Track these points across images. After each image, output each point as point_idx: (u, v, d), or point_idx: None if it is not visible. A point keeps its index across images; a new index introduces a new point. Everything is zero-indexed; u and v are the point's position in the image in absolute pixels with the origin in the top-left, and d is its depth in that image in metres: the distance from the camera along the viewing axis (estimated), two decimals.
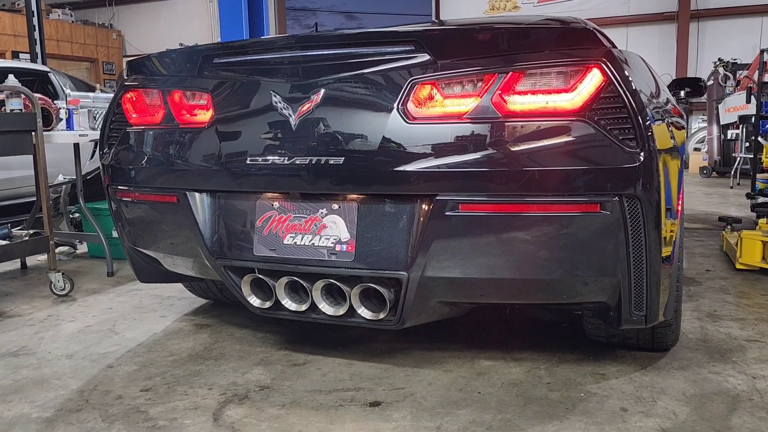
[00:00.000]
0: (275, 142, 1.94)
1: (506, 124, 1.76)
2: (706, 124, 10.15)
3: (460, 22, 2.33)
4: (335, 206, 1.94)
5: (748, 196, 5.30)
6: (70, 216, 4.53)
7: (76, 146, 3.79)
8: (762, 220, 3.85)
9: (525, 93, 1.78)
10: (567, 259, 1.80)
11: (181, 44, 8.72)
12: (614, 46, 1.84)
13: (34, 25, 8.09)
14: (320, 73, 1.92)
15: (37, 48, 8.10)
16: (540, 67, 1.76)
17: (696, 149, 10.76)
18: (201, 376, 2.18)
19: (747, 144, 8.30)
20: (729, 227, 4.19)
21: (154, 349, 2.46)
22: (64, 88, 5.69)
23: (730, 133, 9.45)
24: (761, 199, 4.97)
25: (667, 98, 2.37)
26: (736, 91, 9.21)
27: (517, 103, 1.78)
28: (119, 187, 2.32)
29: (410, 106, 1.83)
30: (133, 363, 2.33)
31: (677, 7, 12.29)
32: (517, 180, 1.74)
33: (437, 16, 14.51)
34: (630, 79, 1.74)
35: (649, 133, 1.73)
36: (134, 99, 2.29)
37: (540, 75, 1.77)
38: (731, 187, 8.20)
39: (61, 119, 3.70)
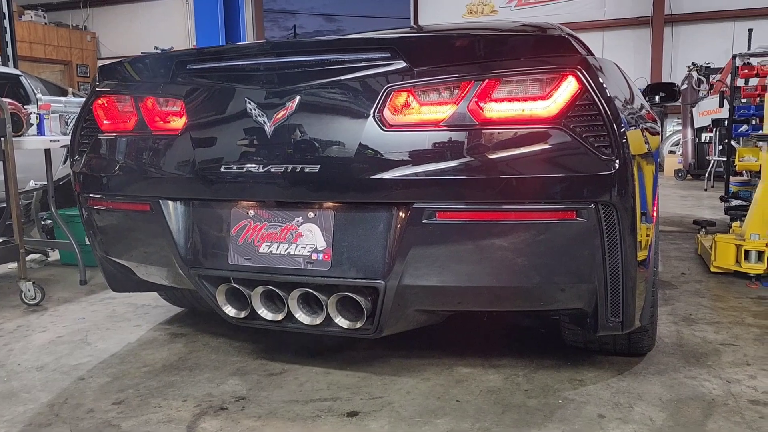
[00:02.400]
0: (250, 150, 1.92)
1: (483, 131, 1.76)
2: (680, 127, 10.31)
3: (438, 28, 2.33)
4: (311, 214, 1.92)
5: (721, 199, 5.38)
6: (42, 222, 4.44)
7: (48, 152, 3.72)
8: (735, 224, 3.91)
9: (501, 100, 1.77)
10: (544, 266, 1.80)
11: (156, 48, 8.63)
12: (590, 53, 1.84)
13: (6, 27, 7.91)
14: (295, 80, 1.90)
15: (9, 51, 7.94)
16: (516, 74, 1.76)
17: (671, 152, 10.93)
18: (175, 388, 2.14)
19: (720, 147, 8.45)
20: (703, 230, 4.25)
21: (127, 360, 2.41)
22: (36, 92, 5.57)
23: (704, 136, 9.62)
24: (734, 202, 5.05)
25: (641, 104, 2.39)
26: (710, 95, 9.37)
27: (494, 110, 1.77)
28: (91, 195, 2.27)
29: (386, 113, 1.82)
30: (105, 375, 2.28)
31: (652, 12, 12.48)
32: (493, 187, 1.73)
33: (416, 19, 14.55)
34: (605, 86, 1.75)
35: (624, 140, 1.73)
36: (106, 105, 2.25)
37: (516, 82, 1.77)
38: (705, 190, 8.33)
39: (32, 124, 3.62)
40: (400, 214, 1.81)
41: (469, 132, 1.76)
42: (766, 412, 1.90)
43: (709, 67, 10.41)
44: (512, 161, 1.73)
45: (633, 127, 1.91)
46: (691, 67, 10.20)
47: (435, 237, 1.79)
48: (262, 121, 1.90)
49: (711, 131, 9.06)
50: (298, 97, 1.87)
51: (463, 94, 1.78)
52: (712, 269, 3.59)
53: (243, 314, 2.06)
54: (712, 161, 8.66)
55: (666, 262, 3.95)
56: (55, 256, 4.36)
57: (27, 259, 4.28)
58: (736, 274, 3.49)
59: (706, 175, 8.65)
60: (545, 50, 1.80)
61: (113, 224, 2.29)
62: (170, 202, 2.07)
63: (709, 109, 8.92)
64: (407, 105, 1.82)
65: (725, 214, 5.06)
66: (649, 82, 12.22)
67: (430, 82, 1.80)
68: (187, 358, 2.42)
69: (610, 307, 1.86)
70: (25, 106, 3.71)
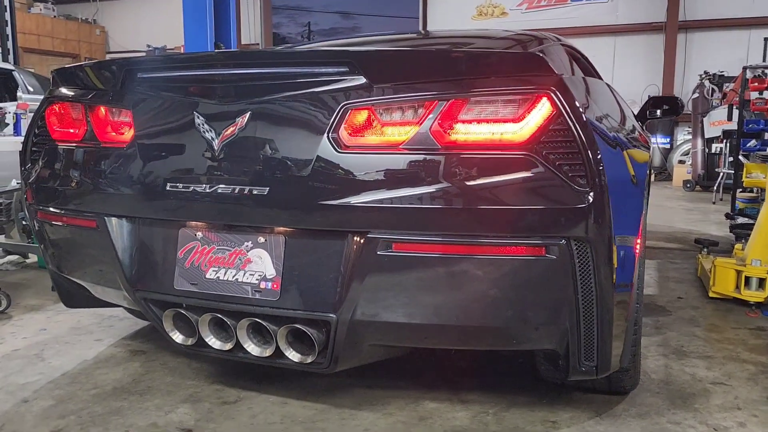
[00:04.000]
0: (197, 168, 1.78)
1: (445, 156, 1.61)
2: (690, 137, 10.07)
3: (408, 37, 2.18)
4: (261, 239, 1.78)
5: (727, 216, 5.18)
6: (23, 223, 4.33)
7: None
8: (738, 245, 3.72)
9: (468, 122, 1.62)
10: (508, 304, 1.64)
11: (148, 46, 8.53)
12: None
13: (6, 20, 7.85)
14: (246, 94, 1.75)
15: (9, 44, 7.86)
16: (483, 94, 1.60)
17: (680, 161, 10.68)
18: (120, 415, 2.01)
19: (731, 159, 8.20)
20: (705, 250, 4.06)
21: (78, 380, 2.28)
22: (28, 88, 5.48)
23: (715, 147, 9.36)
24: (740, 220, 4.85)
25: (633, 125, 2.24)
26: (722, 104, 9.13)
27: (459, 133, 1.62)
28: (39, 207, 2.15)
29: (342, 133, 1.67)
30: (50, 397, 2.15)
31: (665, 18, 12.22)
32: (454, 218, 1.58)
33: (424, 20, 14.40)
34: (581, 110, 1.59)
35: (600, 168, 1.57)
36: (58, 112, 2.12)
37: (484, 103, 1.61)
38: (714, 203, 8.10)
39: (7, 124, 3.51)
40: (354, 243, 1.66)
41: (431, 156, 1.61)
42: None
43: (722, 75, 10.15)
44: (476, 190, 1.57)
45: (615, 153, 1.75)
46: (704, 76, 9.94)
47: (391, 270, 1.64)
48: (210, 138, 1.76)
49: (721, 142, 8.80)
50: (248, 113, 1.73)
51: (425, 114, 1.63)
52: (711, 294, 3.41)
53: (191, 341, 1.92)
54: (722, 173, 8.41)
55: (663, 283, 3.77)
56: (34, 257, 4.25)
57: (4, 260, 4.19)
58: (736, 300, 3.31)
59: (715, 187, 8.40)
60: (517, 69, 1.64)
61: (63, 240, 2.16)
62: (115, 219, 1.94)
63: (720, 120, 8.67)
64: (365, 125, 1.67)
65: (730, 232, 4.86)
66: (661, 89, 12.00)
67: (390, 100, 1.65)
68: (141, 380, 2.28)
69: (583, 351, 1.70)
70: (1, 105, 3.59)
